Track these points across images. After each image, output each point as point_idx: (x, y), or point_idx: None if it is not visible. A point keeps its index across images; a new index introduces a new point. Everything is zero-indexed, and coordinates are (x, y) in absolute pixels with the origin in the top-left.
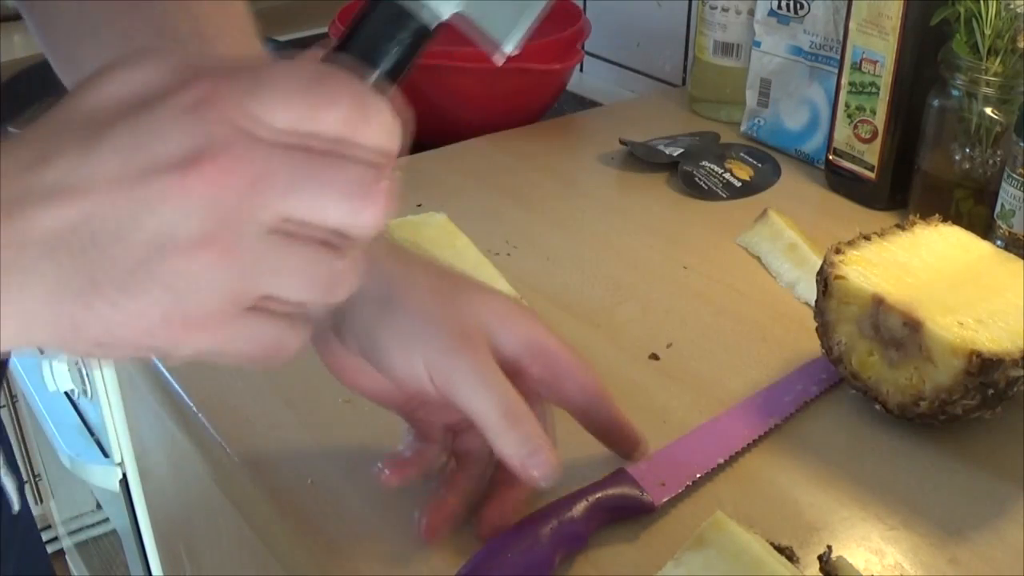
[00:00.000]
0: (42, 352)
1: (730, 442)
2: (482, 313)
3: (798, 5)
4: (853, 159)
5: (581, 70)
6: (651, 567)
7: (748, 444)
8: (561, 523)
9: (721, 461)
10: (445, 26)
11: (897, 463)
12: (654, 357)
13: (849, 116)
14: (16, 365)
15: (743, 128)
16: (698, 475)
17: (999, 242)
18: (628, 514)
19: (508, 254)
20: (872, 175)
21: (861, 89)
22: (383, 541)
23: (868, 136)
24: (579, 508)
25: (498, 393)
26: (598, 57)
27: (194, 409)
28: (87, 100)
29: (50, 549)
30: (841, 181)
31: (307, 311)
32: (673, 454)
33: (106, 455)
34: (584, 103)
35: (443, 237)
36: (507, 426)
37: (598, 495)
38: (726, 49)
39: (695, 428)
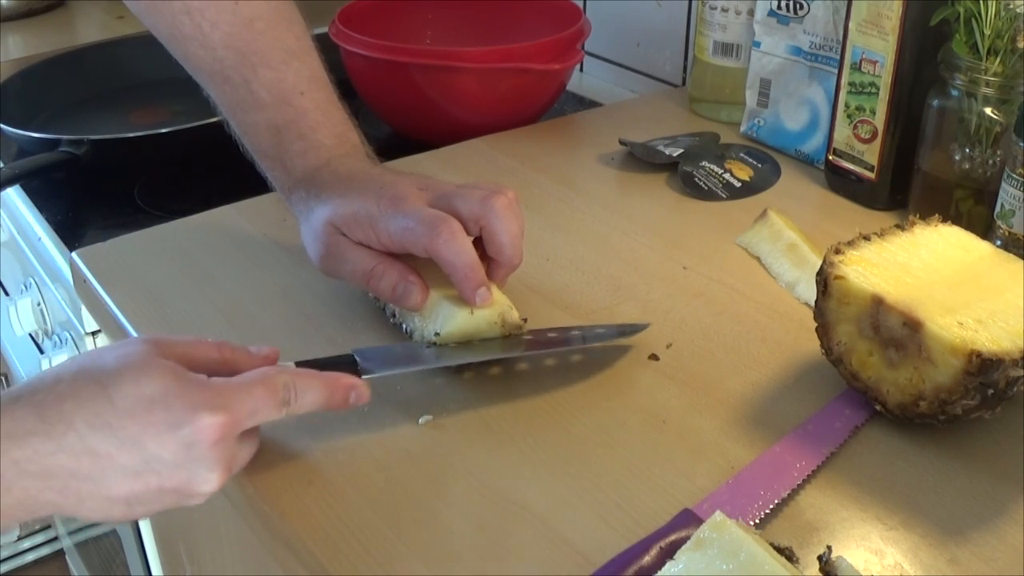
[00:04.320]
0: None
1: (788, 476)
2: (454, 196)
3: (798, 5)
4: (853, 159)
5: (581, 70)
6: None
7: (807, 477)
8: (639, 572)
9: (784, 495)
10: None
11: (897, 463)
12: (654, 357)
13: (849, 116)
14: (15, 363)
15: (743, 128)
16: (763, 514)
17: (999, 242)
18: None
19: None
20: (872, 175)
21: (861, 89)
22: (383, 541)
23: (868, 136)
24: (652, 553)
25: (465, 255)
26: (598, 57)
27: None
28: (118, 391)
29: (50, 549)
30: (841, 181)
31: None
32: (734, 491)
33: None
34: (584, 103)
35: None
36: (467, 276)
37: (670, 538)
38: (726, 49)
39: (751, 463)
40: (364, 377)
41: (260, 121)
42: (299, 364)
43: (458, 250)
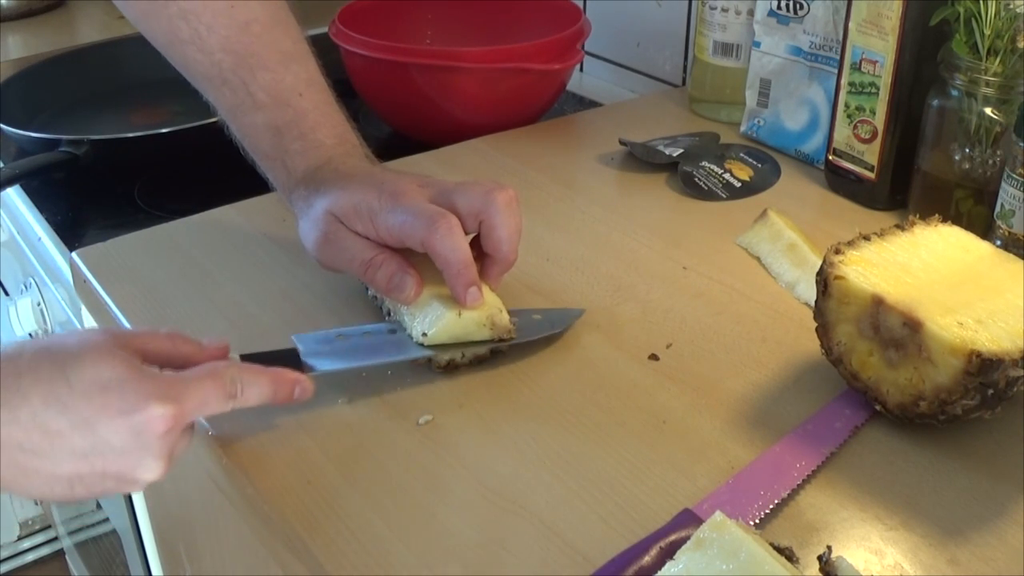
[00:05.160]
0: None
1: (788, 476)
2: (454, 192)
3: (798, 5)
4: (853, 159)
5: (581, 70)
6: None
7: (807, 477)
8: (639, 571)
9: (784, 495)
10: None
11: (897, 463)
12: (654, 357)
13: (849, 116)
14: None
15: (743, 128)
16: (763, 514)
17: (999, 242)
18: None
19: None
20: (872, 175)
21: (861, 89)
22: (383, 541)
23: (868, 136)
24: (652, 553)
25: (461, 252)
26: (598, 57)
27: None
28: (76, 374)
29: (50, 549)
30: (841, 181)
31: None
32: (734, 491)
33: None
34: (584, 103)
35: None
36: (459, 273)
37: (670, 538)
38: (726, 49)
39: (751, 463)
40: (309, 374)
41: (259, 122)
42: (244, 357)
43: (453, 246)
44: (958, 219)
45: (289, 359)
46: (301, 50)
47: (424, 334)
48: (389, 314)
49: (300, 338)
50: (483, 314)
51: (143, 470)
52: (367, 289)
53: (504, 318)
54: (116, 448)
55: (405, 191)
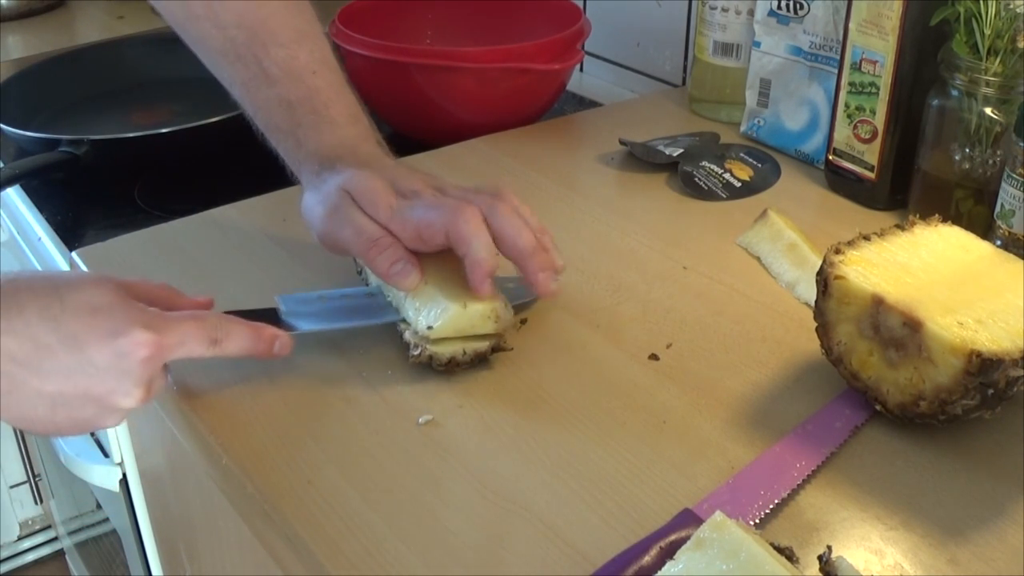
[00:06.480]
0: None
1: (788, 476)
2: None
3: (798, 5)
4: (853, 159)
5: (581, 70)
6: None
7: (807, 477)
8: (639, 572)
9: (784, 495)
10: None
11: (897, 463)
12: (654, 357)
13: (849, 116)
14: None
15: (743, 128)
16: (763, 514)
17: (999, 242)
18: None
19: None
20: (872, 175)
21: (861, 89)
22: (382, 540)
23: (868, 136)
24: (652, 553)
25: (486, 239)
26: (598, 57)
27: (192, 411)
28: (70, 295)
29: (50, 549)
30: (841, 181)
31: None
32: (734, 491)
33: (106, 455)
34: (584, 103)
35: None
36: (482, 260)
37: (670, 538)
38: (726, 49)
39: (751, 463)
40: (291, 333)
41: (272, 96)
42: (227, 312)
43: (479, 233)
44: (958, 219)
45: (270, 317)
46: (315, 30)
47: (429, 327)
48: (391, 306)
49: (283, 298)
50: (488, 307)
51: (122, 395)
52: (367, 286)
53: (509, 312)
54: (100, 368)
55: (420, 191)
